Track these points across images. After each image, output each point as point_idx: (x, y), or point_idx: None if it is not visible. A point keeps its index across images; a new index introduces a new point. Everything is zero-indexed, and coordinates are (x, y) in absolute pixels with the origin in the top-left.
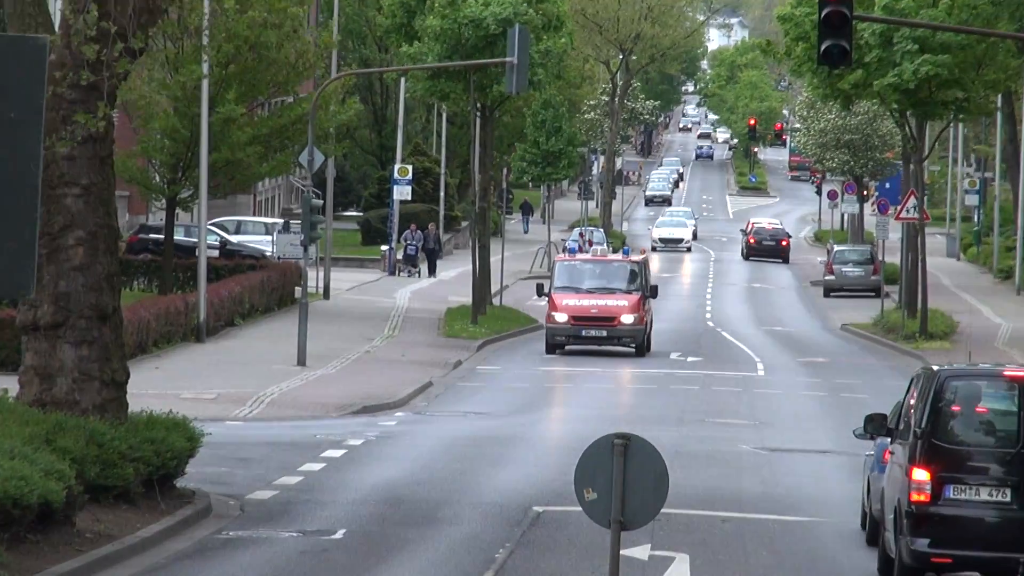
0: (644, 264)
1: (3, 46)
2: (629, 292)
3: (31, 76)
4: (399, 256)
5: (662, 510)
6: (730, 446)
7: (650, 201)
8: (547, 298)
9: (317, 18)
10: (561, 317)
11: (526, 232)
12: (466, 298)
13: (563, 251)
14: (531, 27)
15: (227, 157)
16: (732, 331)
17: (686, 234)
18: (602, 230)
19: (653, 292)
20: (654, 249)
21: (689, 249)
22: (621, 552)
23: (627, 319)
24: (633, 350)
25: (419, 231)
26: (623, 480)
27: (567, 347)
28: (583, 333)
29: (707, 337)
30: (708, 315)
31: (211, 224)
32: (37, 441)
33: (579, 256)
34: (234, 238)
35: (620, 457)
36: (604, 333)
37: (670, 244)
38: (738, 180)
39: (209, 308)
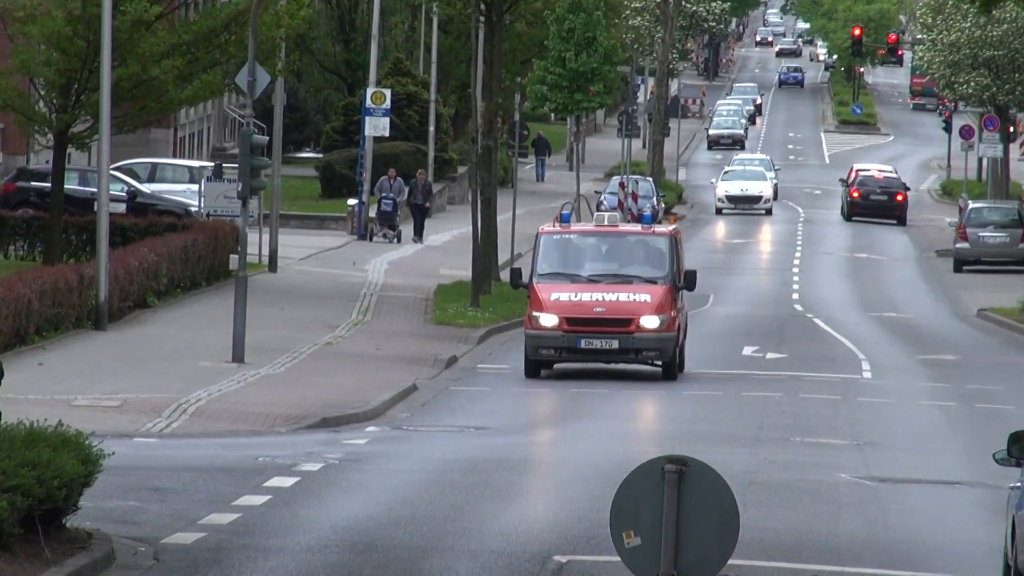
0: (675, 239)
1: None
2: (653, 281)
3: None
4: (372, 214)
5: (730, 561)
6: (824, 474)
7: (715, 143)
8: (527, 290)
9: None
10: (548, 320)
11: (540, 179)
12: (464, 272)
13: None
14: None
15: (136, 73)
16: (828, 318)
17: (765, 190)
18: (650, 180)
19: (689, 281)
20: (719, 212)
21: (769, 211)
22: None
23: (649, 322)
24: (659, 369)
25: (399, 180)
26: (677, 520)
27: (558, 365)
28: (582, 344)
29: (793, 326)
30: (795, 296)
31: (115, 169)
32: None
33: (576, 227)
34: (147, 187)
35: (673, 488)
36: (615, 344)
37: (742, 204)
38: (837, 112)
39: (112, 284)
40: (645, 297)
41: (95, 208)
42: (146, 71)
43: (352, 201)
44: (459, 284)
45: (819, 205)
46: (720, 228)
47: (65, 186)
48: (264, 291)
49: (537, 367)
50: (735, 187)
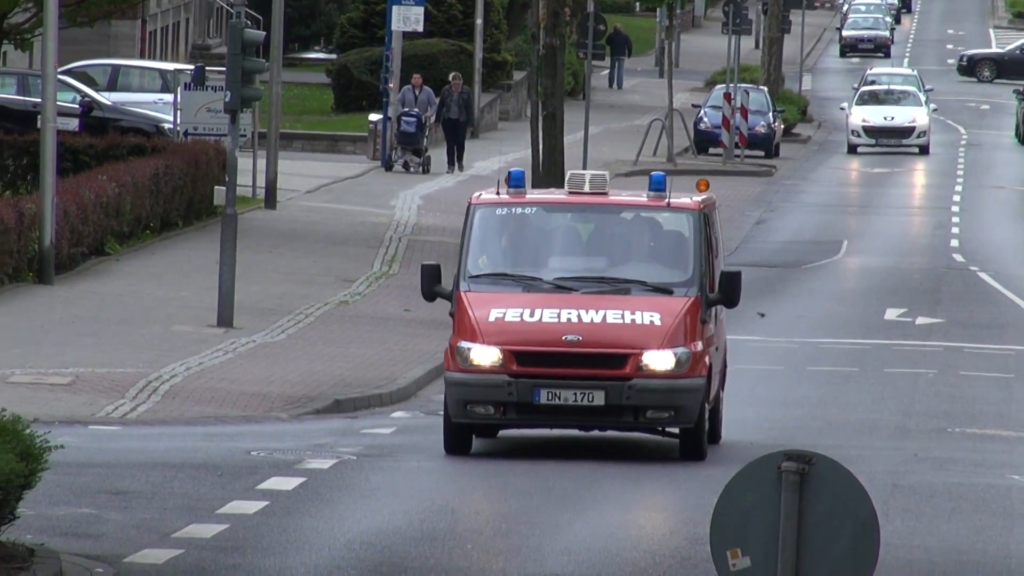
0: (705, 217)
1: None
2: (665, 291)
3: None
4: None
5: None
6: (992, 476)
7: (851, 47)
8: (452, 304)
9: None
10: (484, 355)
11: (616, 86)
12: None
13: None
14: None
15: None
16: (996, 272)
17: (918, 118)
18: (764, 90)
19: (728, 290)
20: (853, 150)
21: (923, 149)
22: None
23: (658, 360)
24: (674, 440)
25: (427, 89)
26: (798, 535)
27: (503, 432)
28: (541, 398)
29: (952, 283)
30: (953, 244)
31: (64, 73)
32: None
33: (535, 195)
34: (107, 98)
35: (794, 493)
36: (598, 397)
37: (885, 138)
38: (1010, 3)
39: (62, 223)
40: (652, 317)
41: (39, 124)
42: None
43: (375, 116)
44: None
45: (987, 124)
46: (852, 167)
47: (0, 95)
48: (259, 234)
49: (465, 436)
50: (877, 114)
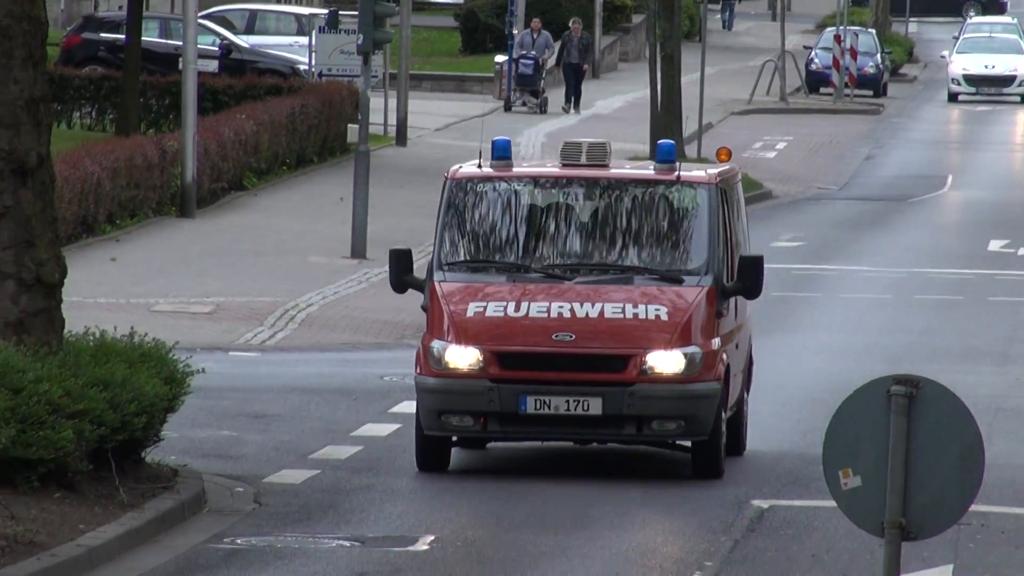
0: (722, 192)
1: None
2: (674, 279)
3: None
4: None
5: (972, 507)
6: None
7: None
8: (424, 297)
9: None
10: (461, 356)
11: (727, 27)
12: (640, 144)
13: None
14: None
15: None
16: None
17: (1019, 66)
18: (873, 32)
19: (748, 278)
20: (953, 98)
21: (1022, 98)
22: None
23: (665, 362)
24: (685, 453)
25: (545, 33)
26: (907, 456)
27: (489, 445)
28: (527, 407)
29: None
30: None
31: (206, 16)
32: None
33: (524, 168)
34: (245, 40)
35: (902, 416)
36: (594, 405)
37: (986, 87)
38: None
39: (202, 160)
40: (658, 311)
41: (180, 66)
42: None
43: (500, 58)
44: (636, 158)
45: None
46: (948, 118)
47: (143, 38)
48: (390, 169)
49: (441, 451)
50: (976, 62)
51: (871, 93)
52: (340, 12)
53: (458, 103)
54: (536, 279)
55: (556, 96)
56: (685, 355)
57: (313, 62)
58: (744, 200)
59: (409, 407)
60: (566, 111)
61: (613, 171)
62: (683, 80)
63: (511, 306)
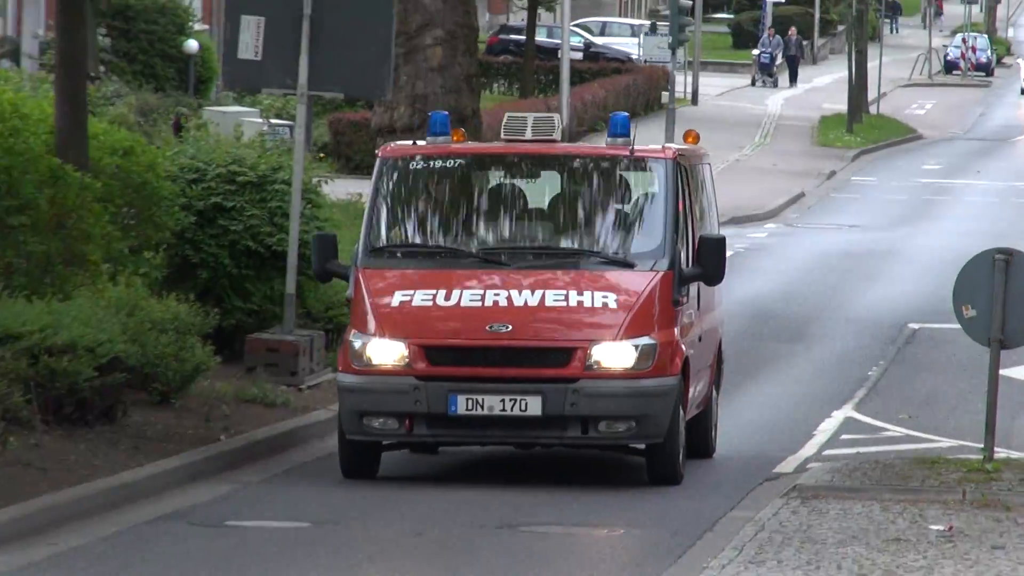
0: (681, 169)
1: None
2: (625, 264)
3: None
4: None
5: None
6: None
7: None
8: (350, 287)
9: None
10: (384, 351)
11: (895, 32)
12: (841, 105)
13: (764, 73)
14: None
15: None
16: None
17: None
18: (985, 35)
19: (710, 262)
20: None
21: None
22: (1000, 372)
23: (613, 355)
24: (640, 457)
25: (776, 36)
26: (1004, 297)
27: (422, 449)
28: (458, 407)
29: None
30: None
31: (574, 25)
32: None
33: (463, 145)
34: (598, 40)
35: (1002, 273)
36: (533, 405)
37: None
38: None
39: (572, 112)
40: (606, 299)
41: (558, 55)
42: None
43: (755, 51)
44: (837, 116)
45: None
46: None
47: (535, 38)
48: (688, 120)
49: (368, 455)
50: None
51: (984, 74)
52: (657, 23)
53: (729, 78)
54: (471, 264)
55: (782, 78)
56: (636, 347)
57: (640, 54)
58: (714, 183)
59: None
60: (791, 86)
61: (559, 147)
62: (868, 65)
63: (441, 295)
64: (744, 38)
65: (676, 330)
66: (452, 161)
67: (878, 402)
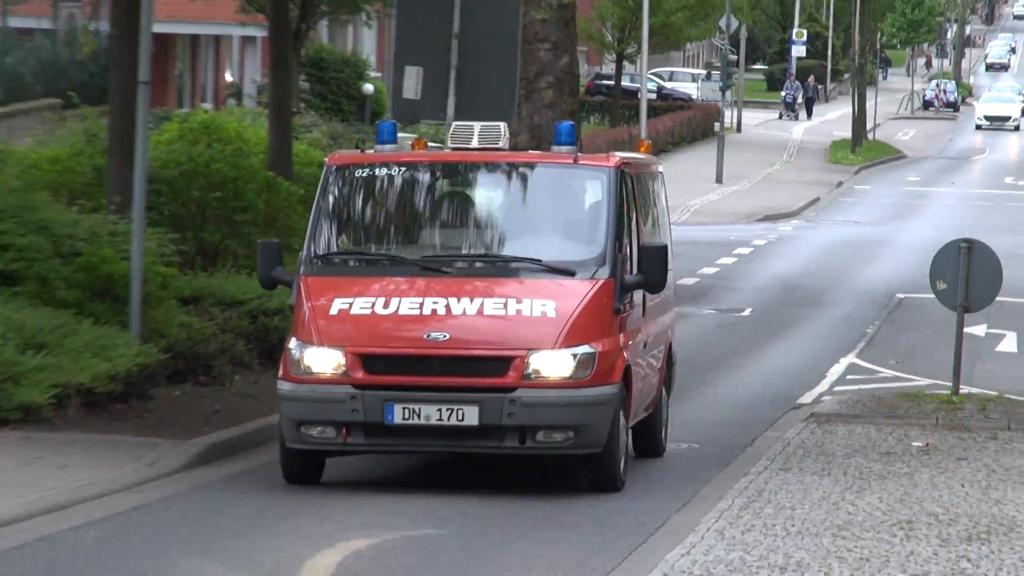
0: (626, 178)
1: None
2: (565, 271)
3: None
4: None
5: (997, 298)
6: None
7: (990, 67)
8: (292, 294)
9: None
10: (322, 359)
11: (885, 78)
12: (846, 133)
13: (922, 97)
14: None
15: (662, 21)
16: None
17: (1013, 111)
18: (953, 81)
19: (652, 270)
20: (978, 128)
21: (1017, 128)
22: (964, 329)
23: (550, 363)
24: (585, 464)
25: (796, 81)
26: (967, 274)
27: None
28: (394, 416)
29: None
30: None
31: (650, 73)
32: None
33: (407, 153)
34: (668, 84)
35: (965, 257)
36: (472, 416)
37: (996, 122)
38: None
39: (648, 135)
40: (545, 307)
41: (638, 96)
42: (668, 20)
43: (782, 93)
44: (844, 141)
45: None
46: (971, 143)
47: (622, 83)
48: (733, 143)
49: (308, 462)
50: (991, 108)
51: (952, 110)
52: (711, 72)
53: (764, 113)
54: (412, 272)
55: (801, 113)
56: (574, 356)
57: (699, 94)
58: (665, 196)
59: (742, 251)
60: (808, 119)
61: (502, 154)
62: (867, 104)
63: (380, 302)
64: (775, 83)
65: (618, 338)
66: (396, 169)
67: (874, 351)
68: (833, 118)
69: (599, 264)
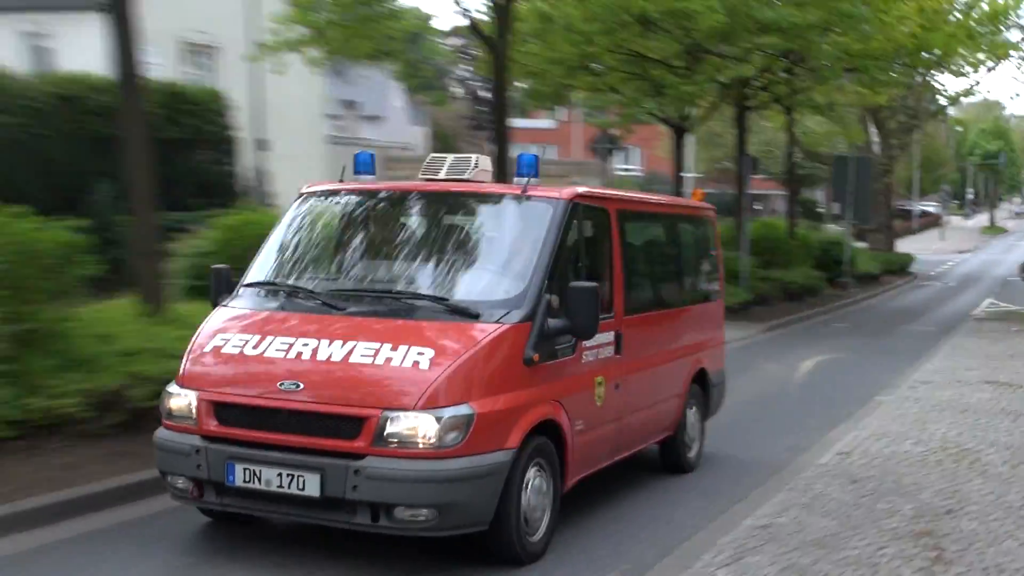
0: (574, 208)
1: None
2: (468, 314)
3: None
4: None
5: None
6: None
7: None
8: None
9: None
10: (180, 404)
11: None
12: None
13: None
14: None
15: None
16: None
17: None
18: None
19: (576, 312)
20: None
21: None
22: None
23: (408, 426)
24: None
25: None
26: None
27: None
28: (236, 479)
29: None
30: None
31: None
32: None
33: (371, 181)
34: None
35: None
36: (312, 486)
37: None
38: None
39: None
40: (420, 356)
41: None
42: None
43: None
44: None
45: None
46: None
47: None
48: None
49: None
50: None
51: None
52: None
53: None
54: (311, 308)
55: None
56: (438, 419)
57: None
58: (714, 241)
59: None
60: None
61: (454, 186)
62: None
63: (251, 342)
64: None
65: (527, 392)
66: (347, 197)
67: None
68: None
69: (513, 306)
